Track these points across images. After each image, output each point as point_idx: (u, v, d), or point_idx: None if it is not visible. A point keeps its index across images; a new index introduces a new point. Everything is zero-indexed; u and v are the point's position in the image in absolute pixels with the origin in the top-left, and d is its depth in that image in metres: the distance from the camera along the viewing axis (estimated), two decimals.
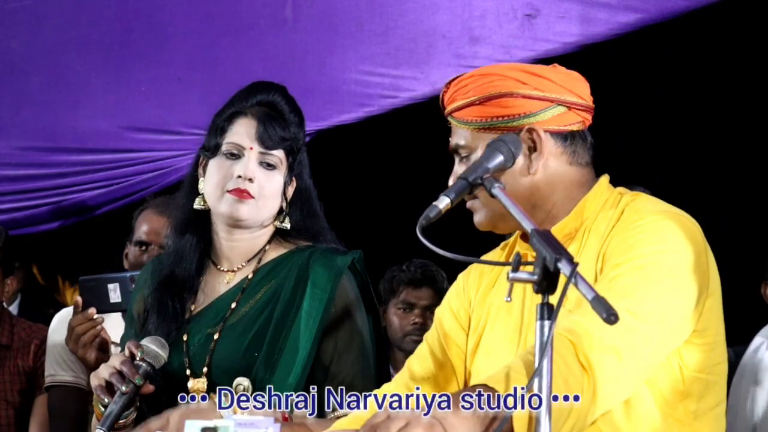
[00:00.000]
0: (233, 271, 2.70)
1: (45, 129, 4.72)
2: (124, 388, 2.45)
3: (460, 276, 2.51)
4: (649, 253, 2.12)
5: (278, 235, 2.71)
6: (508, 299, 2.04)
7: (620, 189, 2.35)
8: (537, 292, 1.86)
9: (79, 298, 3.40)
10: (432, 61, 3.97)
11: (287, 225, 2.68)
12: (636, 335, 2.04)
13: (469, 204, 2.32)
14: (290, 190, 2.70)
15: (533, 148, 2.28)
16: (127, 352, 2.52)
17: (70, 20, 4.67)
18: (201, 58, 4.41)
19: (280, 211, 2.69)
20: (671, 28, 3.71)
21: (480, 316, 2.38)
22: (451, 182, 2.32)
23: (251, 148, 2.64)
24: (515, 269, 1.90)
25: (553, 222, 2.29)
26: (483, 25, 3.87)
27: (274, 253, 2.70)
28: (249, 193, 2.61)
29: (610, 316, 1.74)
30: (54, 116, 4.70)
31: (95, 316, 3.40)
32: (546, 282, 1.85)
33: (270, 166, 2.64)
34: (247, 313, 2.64)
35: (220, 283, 2.70)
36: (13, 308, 5.05)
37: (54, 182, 4.69)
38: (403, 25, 4.02)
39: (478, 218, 2.31)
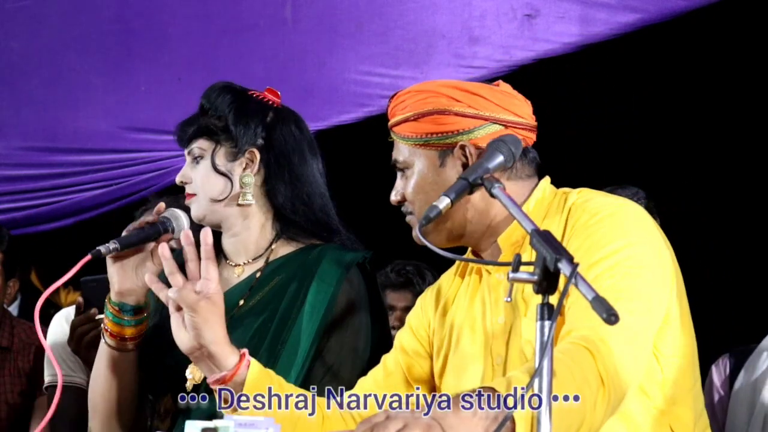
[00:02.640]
0: (240, 265, 2.74)
1: (45, 129, 4.72)
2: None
3: (418, 300, 2.55)
4: (618, 248, 2.15)
5: (285, 234, 2.72)
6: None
7: (564, 189, 2.36)
8: (537, 292, 1.85)
9: (80, 299, 3.40)
10: (432, 61, 3.97)
11: (251, 201, 2.69)
12: (638, 335, 2.06)
13: (407, 219, 2.37)
14: (240, 168, 2.69)
15: (465, 165, 2.30)
16: (150, 217, 2.64)
17: (70, 20, 4.67)
18: (201, 58, 4.41)
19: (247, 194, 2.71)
20: (671, 28, 3.71)
21: (442, 338, 2.41)
22: (393, 197, 2.37)
23: (185, 158, 2.77)
24: (515, 269, 1.89)
25: (495, 233, 2.32)
26: (483, 25, 3.87)
27: (282, 250, 2.73)
28: (189, 193, 2.72)
29: (610, 316, 1.74)
30: (54, 116, 4.70)
31: (97, 317, 3.40)
32: (546, 282, 1.85)
33: (196, 160, 2.73)
34: (255, 306, 2.67)
35: (230, 276, 2.75)
36: (13, 308, 5.05)
37: (54, 182, 4.70)
38: (402, 26, 4.02)
39: (416, 233, 2.27)
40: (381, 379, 2.47)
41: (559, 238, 2.19)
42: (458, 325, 2.36)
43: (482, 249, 2.36)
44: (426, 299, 2.50)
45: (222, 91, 2.73)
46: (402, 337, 2.50)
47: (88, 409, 2.76)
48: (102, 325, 2.68)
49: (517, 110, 2.32)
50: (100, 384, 2.70)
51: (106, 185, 4.60)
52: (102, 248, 2.52)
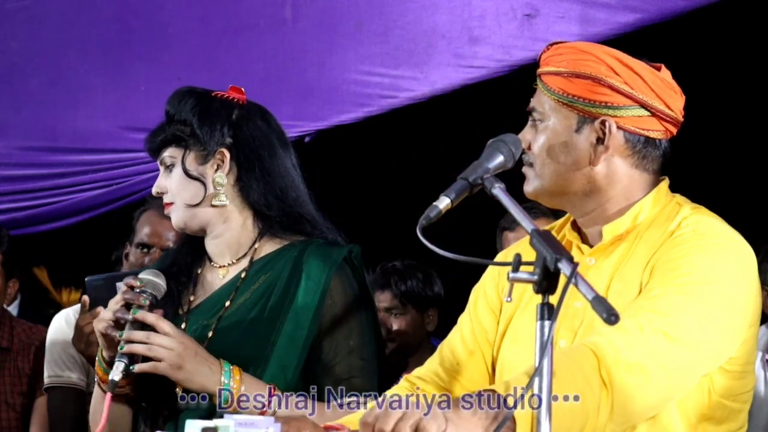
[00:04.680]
0: (224, 266, 2.73)
1: (45, 129, 4.73)
2: (130, 316, 2.53)
3: (499, 256, 2.49)
4: (698, 277, 2.10)
5: (268, 231, 2.71)
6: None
7: (679, 198, 2.32)
8: (537, 292, 1.85)
9: (86, 298, 3.40)
10: (431, 61, 3.97)
11: (225, 201, 2.68)
12: (667, 357, 2.02)
13: (523, 170, 2.31)
14: (211, 170, 2.68)
15: (601, 141, 2.26)
16: (125, 286, 2.59)
17: (70, 20, 4.68)
18: (201, 58, 4.42)
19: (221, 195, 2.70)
20: (671, 28, 3.71)
21: (511, 302, 2.36)
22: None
23: (159, 168, 2.74)
24: (515, 269, 1.89)
25: (604, 217, 2.28)
26: (482, 25, 3.87)
27: (267, 248, 2.71)
28: (166, 203, 2.71)
29: (610, 316, 1.74)
30: (54, 116, 4.70)
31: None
32: (546, 282, 1.85)
33: (168, 168, 2.71)
34: (242, 306, 2.65)
35: (215, 277, 2.73)
36: (13, 308, 5.05)
37: (54, 182, 4.70)
38: (402, 25, 4.02)
39: (527, 188, 2.30)
40: (459, 342, 2.42)
41: (658, 246, 2.18)
42: (530, 292, 2.27)
43: (585, 225, 2.32)
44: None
45: (184, 96, 2.71)
46: (476, 298, 2.45)
47: None
48: (96, 377, 2.67)
49: (669, 101, 2.28)
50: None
51: (106, 185, 4.60)
52: (115, 376, 2.50)
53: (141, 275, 2.61)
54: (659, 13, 3.54)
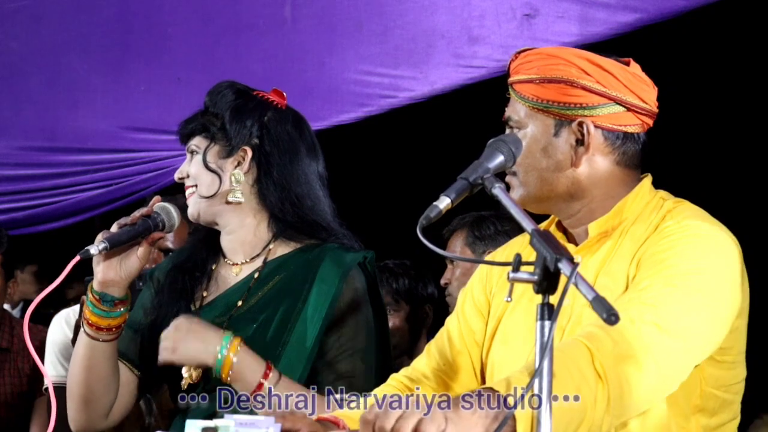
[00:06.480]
0: (238, 264, 2.74)
1: (45, 129, 4.73)
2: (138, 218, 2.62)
3: (489, 257, 2.49)
4: (684, 268, 2.11)
5: (282, 234, 2.72)
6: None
7: (662, 193, 2.33)
8: (537, 292, 1.85)
9: (84, 298, 3.40)
10: (431, 61, 3.97)
11: (240, 198, 2.69)
12: (660, 347, 2.02)
13: (507, 179, 2.32)
14: (231, 165, 2.70)
15: (580, 142, 2.27)
16: (144, 209, 2.65)
17: (70, 20, 4.68)
18: (201, 58, 4.42)
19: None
20: (671, 28, 3.71)
21: (500, 302, 2.38)
22: None
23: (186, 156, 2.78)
24: (515, 269, 1.89)
25: (590, 216, 2.29)
26: (482, 25, 3.87)
27: (281, 250, 2.72)
28: (187, 186, 2.74)
29: (610, 316, 1.74)
30: (54, 116, 4.70)
31: None
32: (546, 282, 1.85)
33: (191, 155, 2.75)
34: (254, 306, 2.67)
35: (229, 274, 2.75)
36: (16, 311, 5.05)
37: (54, 182, 4.70)
38: (402, 25, 4.03)
39: (512, 196, 2.31)
40: (447, 343, 2.43)
41: (643, 239, 2.20)
42: (519, 292, 2.28)
43: (571, 226, 2.34)
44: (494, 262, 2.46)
45: (224, 90, 2.75)
46: (463, 300, 2.47)
47: (66, 396, 2.75)
48: (83, 322, 2.68)
49: (642, 94, 2.29)
50: (75, 369, 2.70)
51: (106, 185, 4.60)
52: (91, 248, 2.52)
53: (160, 203, 2.66)
54: (659, 12, 3.54)
